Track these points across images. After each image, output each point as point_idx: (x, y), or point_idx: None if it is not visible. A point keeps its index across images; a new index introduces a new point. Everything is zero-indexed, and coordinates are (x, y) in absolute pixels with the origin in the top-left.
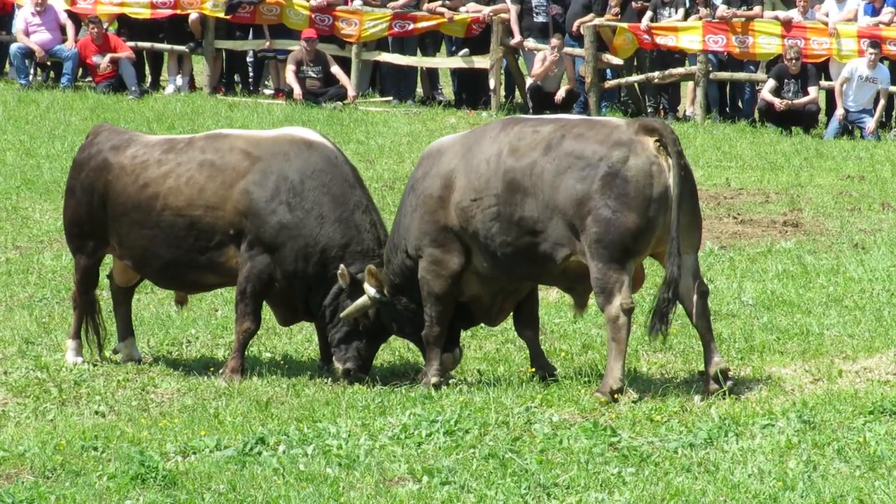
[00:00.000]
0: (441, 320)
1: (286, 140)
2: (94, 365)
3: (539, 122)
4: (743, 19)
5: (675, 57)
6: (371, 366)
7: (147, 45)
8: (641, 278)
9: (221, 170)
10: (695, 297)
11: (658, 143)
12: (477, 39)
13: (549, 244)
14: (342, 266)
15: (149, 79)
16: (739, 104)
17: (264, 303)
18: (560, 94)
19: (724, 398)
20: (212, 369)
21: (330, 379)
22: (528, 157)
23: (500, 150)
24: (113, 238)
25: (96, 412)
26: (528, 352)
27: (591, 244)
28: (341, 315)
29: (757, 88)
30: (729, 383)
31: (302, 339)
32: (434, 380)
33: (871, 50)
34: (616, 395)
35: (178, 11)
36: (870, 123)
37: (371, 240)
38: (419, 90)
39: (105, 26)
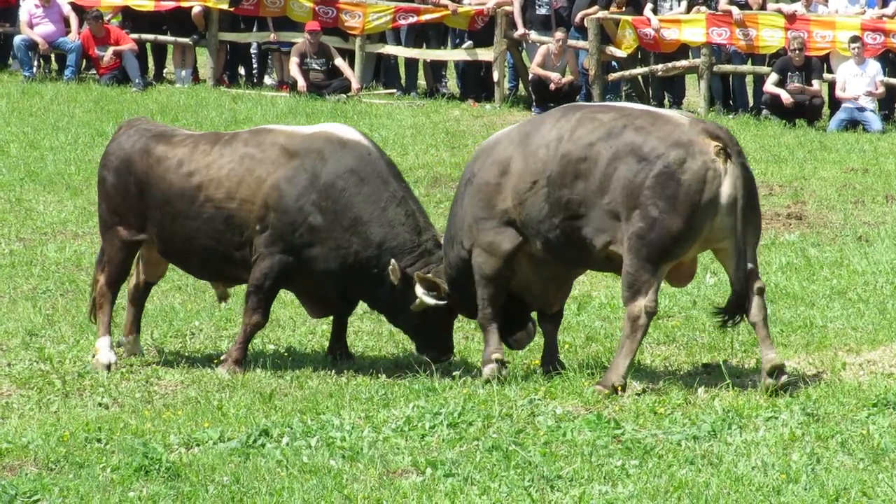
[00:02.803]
0: (493, 302)
1: (322, 138)
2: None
3: (601, 109)
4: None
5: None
6: (452, 344)
7: (151, 37)
8: (692, 272)
9: (259, 163)
10: (752, 295)
11: (719, 149)
12: (481, 32)
13: (591, 229)
14: (393, 261)
15: (152, 71)
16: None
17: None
18: (557, 80)
19: (727, 390)
20: (215, 361)
21: (333, 371)
22: (585, 140)
23: (561, 135)
24: (152, 230)
25: (100, 404)
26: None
27: (631, 237)
28: (412, 307)
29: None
30: (783, 378)
31: (305, 330)
32: (496, 356)
33: (853, 45)
34: (617, 391)
35: (182, 4)
36: (870, 111)
37: (407, 231)
38: (421, 82)
39: (108, 18)
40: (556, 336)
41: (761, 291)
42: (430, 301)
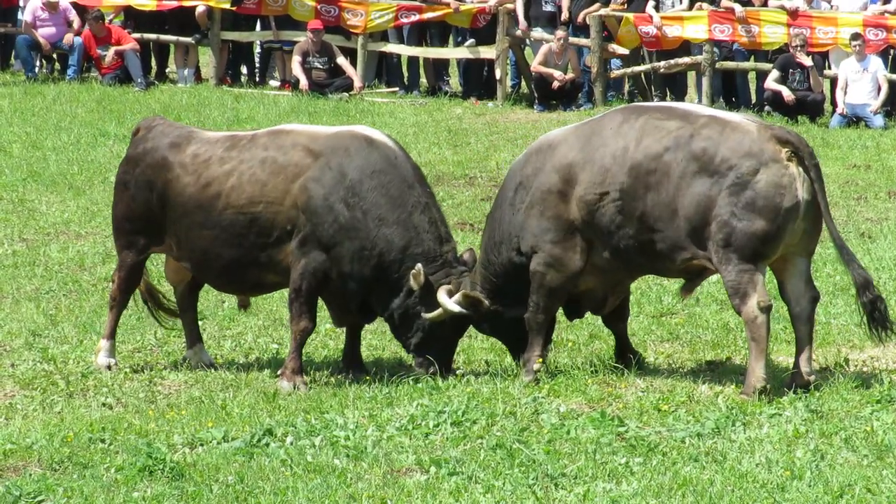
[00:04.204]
0: (549, 310)
1: (347, 136)
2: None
3: (665, 115)
4: (750, 7)
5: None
6: (452, 363)
7: (153, 36)
8: None
9: (284, 166)
10: (804, 302)
11: (790, 154)
12: (483, 30)
13: (668, 244)
14: (419, 266)
15: (154, 70)
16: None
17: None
18: (559, 78)
19: (731, 387)
20: (219, 360)
21: (337, 370)
22: (653, 150)
23: (627, 144)
24: (171, 239)
25: (103, 404)
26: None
27: (718, 250)
28: (429, 317)
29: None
30: (803, 392)
31: None
32: (536, 366)
33: (855, 42)
34: (761, 394)
35: (184, 3)
36: (872, 107)
37: (431, 239)
38: (423, 80)
39: (110, 18)
40: (626, 334)
41: (814, 300)
42: (455, 309)
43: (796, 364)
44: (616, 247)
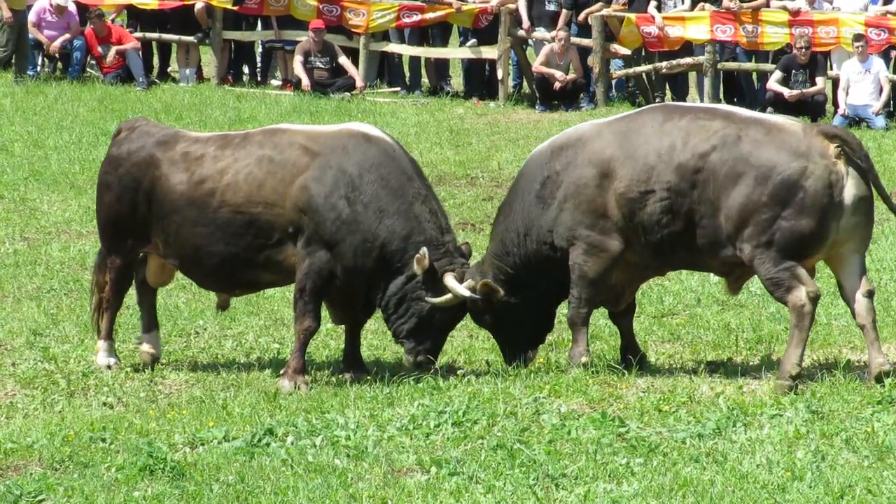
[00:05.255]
0: (590, 302)
1: (344, 134)
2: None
3: (708, 115)
4: (750, 10)
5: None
6: (439, 355)
7: (155, 35)
8: (813, 272)
9: (281, 166)
10: (860, 297)
11: (839, 150)
12: (485, 30)
13: (714, 240)
14: (423, 249)
15: (156, 69)
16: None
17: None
18: (560, 78)
19: (732, 387)
20: (220, 360)
21: (338, 370)
22: (700, 149)
23: (673, 142)
24: (157, 237)
25: (104, 403)
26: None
27: (759, 248)
28: (436, 301)
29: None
30: (888, 380)
31: None
32: (584, 359)
33: (857, 43)
34: (796, 381)
35: (186, 2)
36: (874, 108)
37: (432, 228)
38: (425, 80)
39: (112, 17)
40: (632, 329)
41: (870, 294)
42: (466, 294)
43: (871, 359)
44: (656, 243)
